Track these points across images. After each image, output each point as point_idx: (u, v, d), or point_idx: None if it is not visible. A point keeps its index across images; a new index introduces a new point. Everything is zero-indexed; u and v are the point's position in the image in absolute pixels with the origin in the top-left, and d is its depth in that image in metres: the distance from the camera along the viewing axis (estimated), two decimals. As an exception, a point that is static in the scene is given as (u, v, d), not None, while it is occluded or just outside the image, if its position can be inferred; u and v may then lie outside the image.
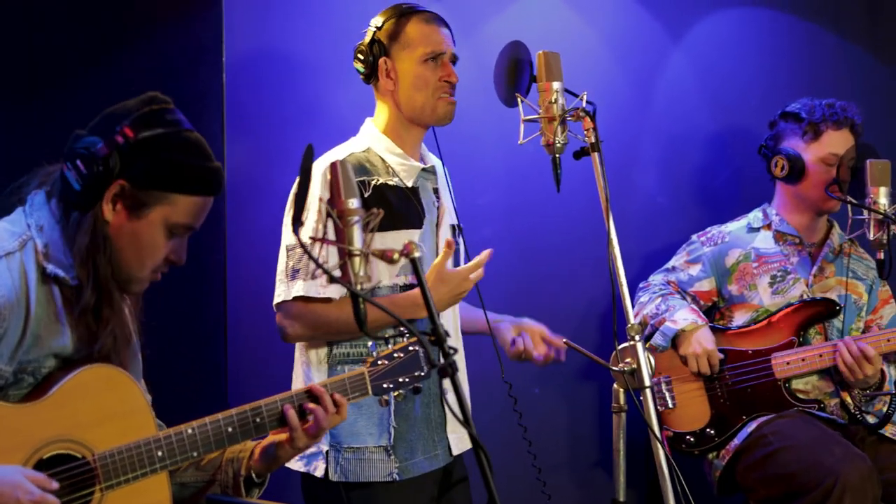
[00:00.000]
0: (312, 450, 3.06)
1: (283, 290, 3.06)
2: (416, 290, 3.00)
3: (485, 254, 3.07)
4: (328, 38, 3.92)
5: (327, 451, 3.06)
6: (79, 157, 2.26)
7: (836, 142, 3.95)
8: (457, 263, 3.31)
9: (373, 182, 3.10)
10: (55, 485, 2.15)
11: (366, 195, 3.07)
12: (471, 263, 3.04)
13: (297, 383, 3.17)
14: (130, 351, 2.44)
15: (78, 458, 2.23)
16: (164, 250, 2.34)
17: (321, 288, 3.01)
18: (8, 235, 2.27)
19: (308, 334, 3.08)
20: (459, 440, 3.24)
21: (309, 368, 3.11)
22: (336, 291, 3.03)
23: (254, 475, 2.51)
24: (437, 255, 3.22)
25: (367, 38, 3.22)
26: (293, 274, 3.04)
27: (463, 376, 3.30)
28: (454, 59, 3.26)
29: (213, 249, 3.66)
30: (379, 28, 3.21)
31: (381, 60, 3.19)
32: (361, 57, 3.22)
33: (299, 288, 3.03)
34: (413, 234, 3.14)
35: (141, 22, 3.60)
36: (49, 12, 3.48)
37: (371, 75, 3.22)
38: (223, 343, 3.67)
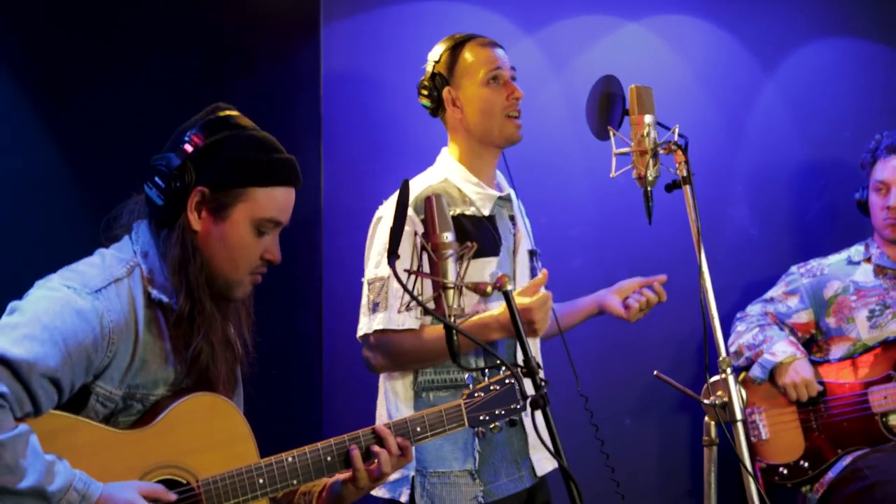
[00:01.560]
0: (397, 476, 3.10)
1: (366, 323, 3.13)
2: (482, 315, 3.04)
3: (542, 276, 3.10)
4: (421, 67, 3.99)
5: (413, 477, 3.10)
6: (156, 174, 2.33)
7: (882, 169, 3.97)
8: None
9: (450, 213, 3.15)
10: (173, 496, 2.23)
11: None
12: (538, 294, 3.05)
13: (382, 411, 3.22)
14: (233, 377, 2.49)
15: (183, 484, 2.29)
16: (256, 249, 2.38)
17: (400, 319, 3.07)
18: (117, 262, 2.34)
19: (390, 365, 3.14)
20: (543, 461, 3.26)
21: (396, 396, 3.16)
22: (414, 322, 3.08)
23: None
24: (515, 280, 3.27)
25: (428, 73, 3.29)
26: (374, 307, 3.10)
27: None
28: (514, 77, 3.30)
29: (309, 275, 3.75)
30: (437, 61, 3.28)
31: (445, 91, 3.26)
32: (426, 92, 3.29)
33: (379, 321, 3.09)
34: (491, 262, 3.19)
35: (243, 55, 3.71)
36: (158, 47, 3.61)
37: (438, 108, 3.29)
38: (318, 369, 3.75)
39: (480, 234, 3.19)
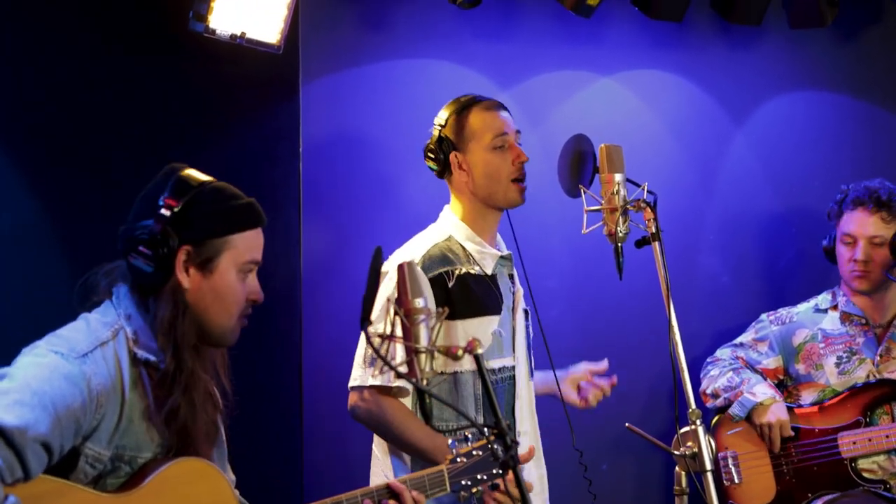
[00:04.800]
0: None
1: (360, 375, 3.17)
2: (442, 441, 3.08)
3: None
4: (399, 125, 4.07)
5: None
6: (140, 244, 2.40)
7: (849, 222, 4.03)
8: (529, 346, 3.43)
9: (456, 272, 3.23)
10: None
11: (450, 285, 3.19)
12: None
13: (377, 469, 3.27)
14: (215, 428, 2.55)
15: (167, 547, 2.35)
16: (243, 293, 2.47)
17: (395, 378, 3.12)
18: (101, 326, 2.40)
19: (370, 422, 3.20)
20: None
21: (395, 457, 3.22)
22: (405, 383, 3.13)
23: None
24: (514, 338, 3.35)
25: (434, 137, 3.35)
26: (372, 362, 3.15)
27: (539, 454, 3.40)
28: (518, 138, 3.38)
29: (289, 331, 3.79)
30: (443, 125, 3.34)
31: (452, 155, 3.32)
32: (432, 156, 3.35)
33: (377, 377, 3.13)
34: (493, 321, 3.27)
35: (222, 114, 3.77)
36: (137, 106, 3.66)
37: (444, 171, 3.35)
38: (299, 426, 3.78)
39: (483, 293, 3.26)
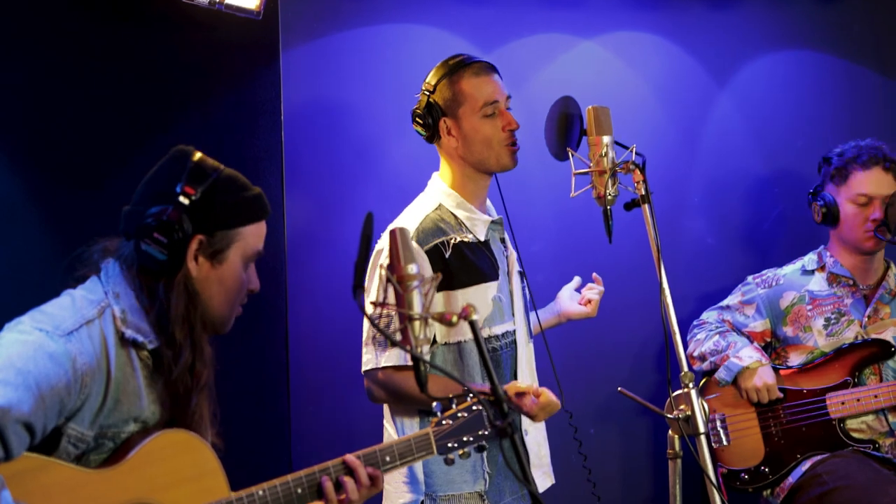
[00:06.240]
0: (407, 499, 3.15)
1: (372, 359, 3.14)
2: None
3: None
4: (382, 91, 4.02)
5: (423, 501, 3.15)
6: (154, 230, 2.34)
7: (864, 181, 3.96)
8: (526, 307, 3.40)
9: (451, 241, 3.18)
10: None
11: (447, 255, 3.15)
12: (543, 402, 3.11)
13: (391, 431, 3.25)
14: (210, 414, 2.51)
15: (155, 521, 2.31)
16: (245, 284, 2.47)
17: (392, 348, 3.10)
18: (87, 303, 2.35)
19: (391, 400, 3.19)
20: (541, 477, 3.34)
21: (402, 420, 3.21)
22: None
23: None
24: (512, 301, 3.31)
25: (423, 102, 3.26)
26: (379, 343, 3.12)
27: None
28: (508, 104, 3.31)
29: (275, 302, 3.74)
30: (432, 91, 3.25)
31: (441, 121, 3.24)
32: (420, 121, 3.27)
33: (388, 358, 3.10)
34: (492, 287, 3.23)
35: (202, 83, 3.70)
36: (116, 76, 3.58)
37: (433, 136, 3.28)
38: (286, 395, 3.75)
39: (480, 260, 3.22)
